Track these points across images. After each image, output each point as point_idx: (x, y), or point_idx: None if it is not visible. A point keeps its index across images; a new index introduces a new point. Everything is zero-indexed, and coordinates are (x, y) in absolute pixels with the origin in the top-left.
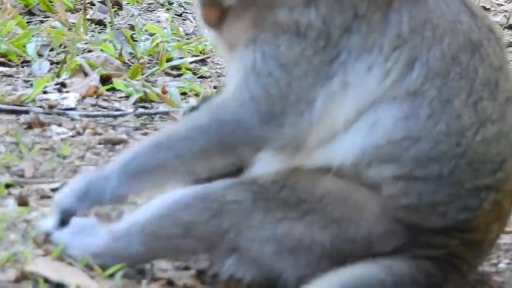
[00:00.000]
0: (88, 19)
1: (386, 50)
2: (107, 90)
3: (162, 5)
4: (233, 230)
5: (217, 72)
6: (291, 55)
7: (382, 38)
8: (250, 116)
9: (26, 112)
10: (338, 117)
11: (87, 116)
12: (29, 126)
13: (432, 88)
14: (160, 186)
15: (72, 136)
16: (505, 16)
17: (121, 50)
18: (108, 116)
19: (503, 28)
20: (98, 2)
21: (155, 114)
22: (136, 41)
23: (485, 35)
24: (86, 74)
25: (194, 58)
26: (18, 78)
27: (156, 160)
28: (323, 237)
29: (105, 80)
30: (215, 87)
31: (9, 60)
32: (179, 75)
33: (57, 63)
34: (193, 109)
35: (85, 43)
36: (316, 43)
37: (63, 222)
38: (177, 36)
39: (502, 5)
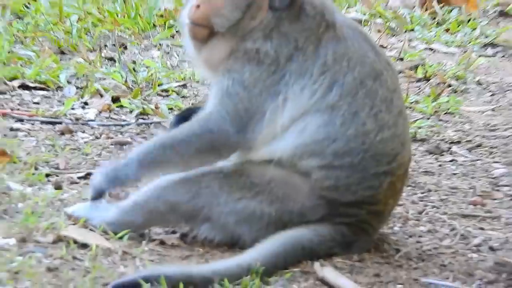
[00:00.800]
0: (103, 57)
1: (314, 75)
2: (117, 106)
3: (155, 46)
4: (206, 206)
5: (194, 93)
6: (252, 78)
7: (313, 65)
8: (229, 126)
9: (60, 123)
10: (279, 123)
11: (103, 125)
12: (62, 133)
13: (345, 103)
14: (164, 173)
15: (92, 140)
16: (397, 51)
17: (126, 78)
18: (118, 125)
19: (396, 60)
20: (110, 44)
21: (151, 123)
22: (137, 71)
23: (384, 66)
24: (101, 96)
25: (177, 83)
26: (54, 98)
27: (163, 156)
28: (270, 210)
29: (115, 99)
30: (192, 104)
31: (48, 86)
32: (167, 96)
33: (81, 88)
34: (178, 116)
35: (101, 74)
36: (269, 68)
37: (97, 198)
38: (165, 68)
39: (395, 43)
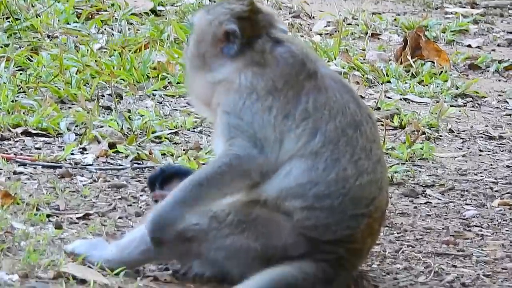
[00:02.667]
0: (100, 106)
1: (297, 119)
2: (113, 152)
3: (149, 96)
4: (196, 242)
5: (185, 140)
6: (237, 108)
7: (295, 109)
8: (251, 149)
9: (60, 167)
10: (278, 160)
11: (100, 169)
12: (62, 176)
13: (327, 150)
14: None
15: (90, 183)
16: (375, 102)
17: (122, 126)
18: (114, 169)
19: (373, 109)
20: (107, 94)
21: (145, 168)
22: (132, 120)
23: (365, 118)
24: (99, 142)
25: (170, 131)
26: (54, 144)
27: (203, 193)
28: (255, 245)
29: (111, 146)
30: (184, 150)
31: (49, 133)
32: (160, 142)
33: (80, 134)
34: (152, 176)
35: (98, 121)
36: (250, 97)
37: (158, 246)
38: (158, 116)
39: (372, 94)
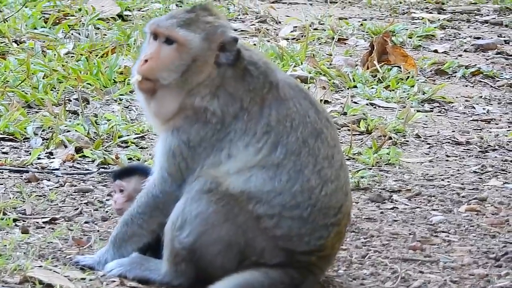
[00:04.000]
0: (67, 110)
1: (258, 134)
2: (80, 156)
3: (116, 100)
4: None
5: (151, 144)
6: (198, 138)
7: (256, 125)
8: (169, 187)
9: (27, 171)
10: (223, 172)
11: (67, 174)
12: (29, 181)
13: (289, 162)
14: (138, 246)
15: (57, 187)
16: (341, 107)
17: (89, 130)
18: (81, 173)
19: (340, 114)
20: (73, 99)
21: (111, 172)
22: (98, 124)
23: (324, 124)
24: (66, 146)
25: (136, 135)
26: (21, 149)
27: (128, 232)
28: (240, 240)
29: (78, 150)
30: (150, 154)
31: (15, 137)
32: (126, 147)
33: (47, 139)
34: (117, 171)
35: (65, 126)
36: (215, 126)
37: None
38: (125, 121)
39: (339, 99)
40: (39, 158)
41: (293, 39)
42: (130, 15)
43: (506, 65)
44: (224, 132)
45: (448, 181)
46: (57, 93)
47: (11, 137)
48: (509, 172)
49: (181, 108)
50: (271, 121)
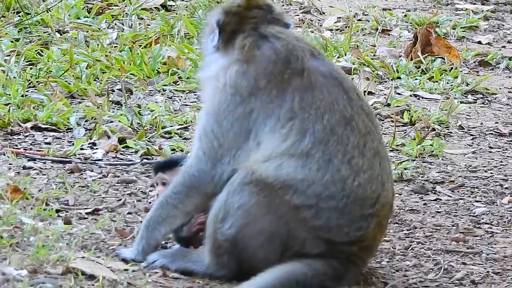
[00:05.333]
0: (110, 101)
1: (281, 119)
2: (123, 147)
3: (159, 91)
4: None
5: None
6: (221, 109)
7: (279, 109)
8: (204, 165)
9: (69, 162)
10: (255, 161)
11: (110, 164)
12: (71, 171)
13: (318, 151)
14: (173, 227)
15: (100, 178)
16: (385, 97)
17: (132, 121)
18: (124, 164)
19: (383, 105)
20: (117, 89)
21: (153, 164)
22: (142, 115)
23: (356, 111)
24: (109, 137)
25: (179, 126)
26: (64, 139)
27: (164, 214)
28: (282, 230)
29: (121, 141)
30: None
31: (58, 128)
32: (170, 137)
33: (90, 129)
34: (159, 163)
35: (108, 116)
36: (233, 98)
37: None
38: (168, 112)
39: (382, 90)
40: (82, 149)
41: (337, 30)
42: (174, 5)
43: None
44: (244, 107)
45: (491, 173)
46: (100, 83)
47: (54, 127)
48: None
49: (203, 86)
50: (294, 107)
